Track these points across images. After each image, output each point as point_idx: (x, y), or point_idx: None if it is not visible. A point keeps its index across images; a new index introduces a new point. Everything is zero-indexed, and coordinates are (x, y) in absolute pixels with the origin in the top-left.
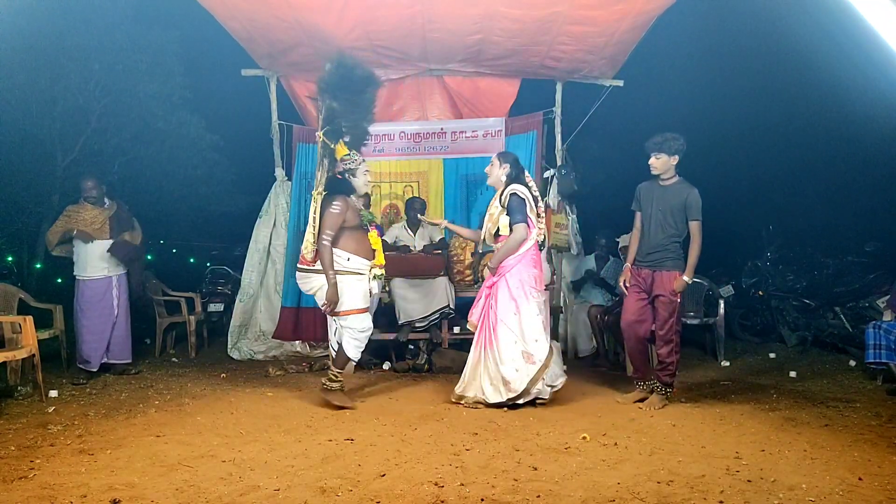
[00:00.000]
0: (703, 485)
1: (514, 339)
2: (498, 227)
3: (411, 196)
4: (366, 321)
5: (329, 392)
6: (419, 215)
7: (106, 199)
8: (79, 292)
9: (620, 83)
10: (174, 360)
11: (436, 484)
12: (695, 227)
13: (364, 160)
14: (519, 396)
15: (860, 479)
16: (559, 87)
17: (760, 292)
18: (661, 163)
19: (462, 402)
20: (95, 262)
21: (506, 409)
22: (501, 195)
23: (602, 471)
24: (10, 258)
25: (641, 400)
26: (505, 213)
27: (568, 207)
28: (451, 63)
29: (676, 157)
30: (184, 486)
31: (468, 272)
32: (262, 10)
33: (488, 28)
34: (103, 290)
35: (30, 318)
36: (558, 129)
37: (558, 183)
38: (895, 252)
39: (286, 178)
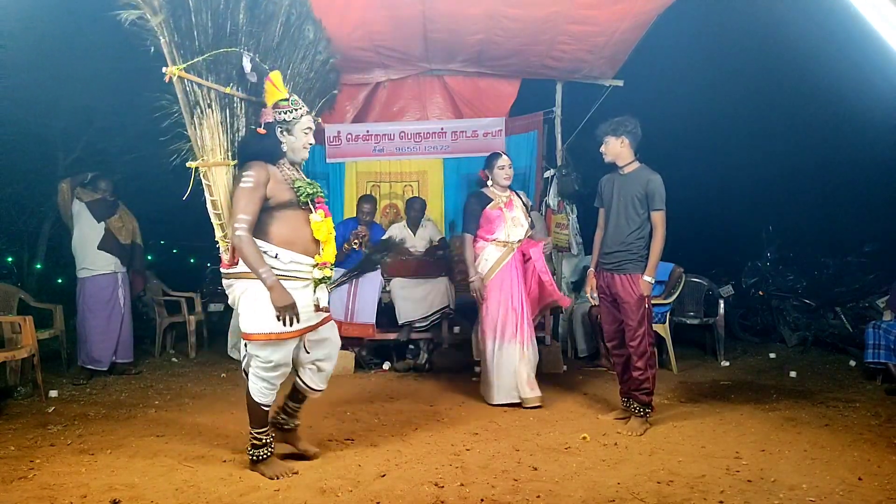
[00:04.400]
0: (703, 485)
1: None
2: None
3: (411, 196)
4: (278, 352)
5: (256, 464)
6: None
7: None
8: (83, 291)
9: (620, 83)
10: (174, 360)
11: (436, 484)
12: (657, 217)
13: (308, 111)
14: None
15: (860, 478)
16: (559, 87)
17: (761, 292)
18: (610, 147)
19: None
20: (98, 259)
21: (505, 409)
22: (521, 197)
23: (602, 471)
24: (10, 258)
25: (624, 419)
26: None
27: (568, 207)
28: (453, 63)
29: (625, 139)
30: (184, 486)
31: None
32: None
33: (489, 28)
34: (110, 288)
35: (30, 318)
36: (558, 129)
37: (558, 183)
38: (895, 252)
39: None
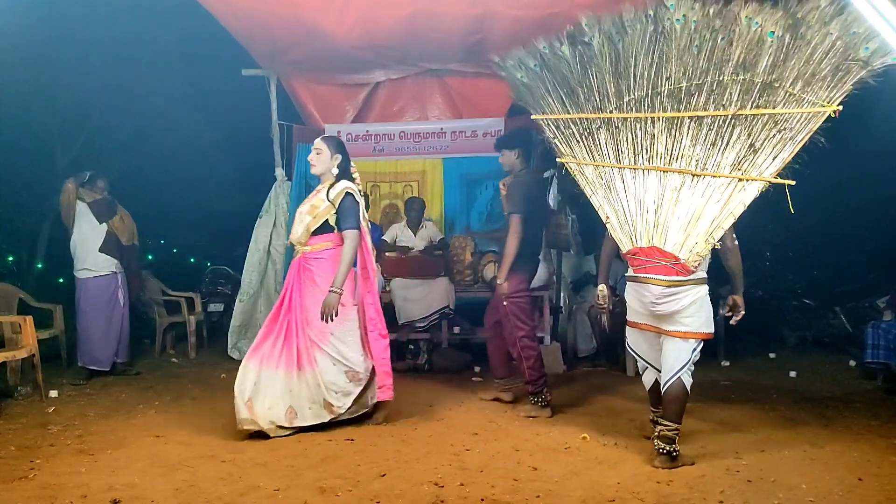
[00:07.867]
0: (703, 485)
1: (333, 362)
2: (318, 224)
3: (411, 196)
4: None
5: (677, 458)
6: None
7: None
8: (83, 291)
9: None
10: (174, 361)
11: (436, 484)
12: (510, 221)
13: None
14: (342, 415)
15: (860, 479)
16: None
17: (760, 292)
18: (505, 159)
19: (251, 426)
20: (99, 260)
21: (506, 409)
22: (330, 189)
23: (602, 471)
24: (10, 258)
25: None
26: (334, 211)
27: (568, 207)
28: (452, 63)
29: (517, 150)
30: (184, 486)
31: (468, 272)
32: (261, 8)
33: (489, 28)
34: (111, 288)
35: (30, 318)
36: None
37: (558, 183)
38: (895, 252)
39: (286, 178)
